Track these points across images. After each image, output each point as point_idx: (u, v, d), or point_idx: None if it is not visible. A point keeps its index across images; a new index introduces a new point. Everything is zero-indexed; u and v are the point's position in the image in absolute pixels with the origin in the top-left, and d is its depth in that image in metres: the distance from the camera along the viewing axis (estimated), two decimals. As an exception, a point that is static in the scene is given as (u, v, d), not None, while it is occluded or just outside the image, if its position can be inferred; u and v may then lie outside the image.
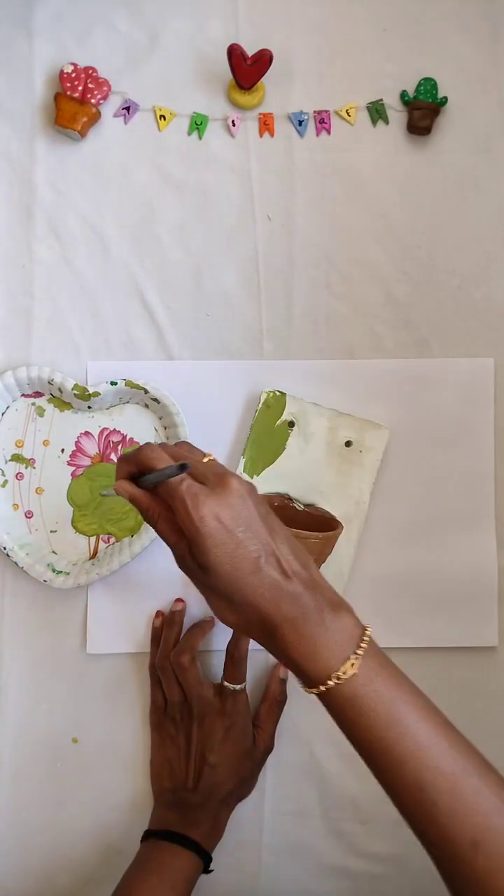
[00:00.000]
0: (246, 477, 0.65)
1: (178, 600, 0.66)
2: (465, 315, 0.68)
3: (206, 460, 0.49)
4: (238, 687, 0.64)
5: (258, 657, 0.66)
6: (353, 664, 0.45)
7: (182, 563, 0.48)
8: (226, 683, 0.64)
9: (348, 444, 0.66)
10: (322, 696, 0.46)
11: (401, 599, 0.67)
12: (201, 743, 0.62)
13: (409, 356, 0.67)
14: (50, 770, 0.66)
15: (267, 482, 0.66)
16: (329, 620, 0.46)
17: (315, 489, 0.66)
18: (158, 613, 0.66)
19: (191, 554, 0.46)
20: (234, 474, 0.48)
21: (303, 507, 0.65)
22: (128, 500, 0.50)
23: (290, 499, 0.65)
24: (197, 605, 0.67)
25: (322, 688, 0.45)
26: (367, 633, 0.46)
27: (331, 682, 0.44)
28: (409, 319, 0.67)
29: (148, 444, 0.49)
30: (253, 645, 0.65)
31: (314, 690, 0.45)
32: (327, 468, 0.66)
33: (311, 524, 0.63)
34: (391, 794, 0.45)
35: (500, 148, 0.68)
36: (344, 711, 0.45)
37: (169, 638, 0.65)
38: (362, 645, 0.46)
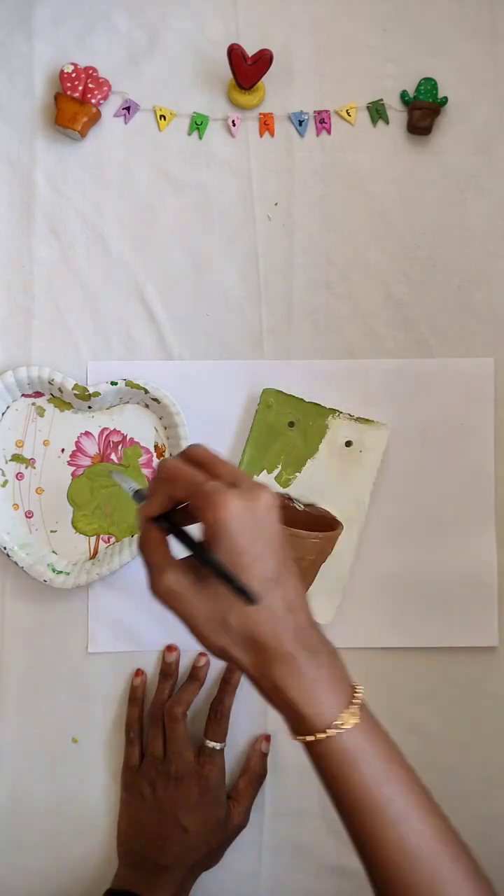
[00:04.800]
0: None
1: (170, 648, 0.66)
2: (465, 315, 0.68)
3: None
4: (218, 746, 0.63)
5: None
6: (353, 713, 0.43)
7: (165, 580, 0.43)
8: (207, 741, 0.64)
9: (348, 444, 0.66)
10: (313, 746, 0.43)
11: (401, 599, 0.67)
12: (175, 804, 0.61)
13: (409, 356, 0.67)
14: (50, 770, 0.66)
15: (267, 482, 0.66)
16: (327, 664, 0.44)
17: (315, 489, 0.66)
18: (138, 672, 0.66)
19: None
20: (265, 486, 0.44)
21: (303, 507, 0.65)
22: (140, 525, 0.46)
23: (290, 499, 0.65)
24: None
25: (321, 735, 0.42)
26: (357, 687, 0.44)
27: (331, 731, 0.42)
28: (409, 319, 0.67)
29: (164, 460, 0.46)
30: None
31: (310, 738, 0.42)
32: (327, 468, 0.66)
33: (311, 524, 0.63)
34: (370, 854, 0.43)
35: (500, 148, 0.68)
36: (338, 764, 0.42)
37: (164, 689, 0.65)
38: (357, 694, 0.44)
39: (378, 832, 0.42)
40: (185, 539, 0.44)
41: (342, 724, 0.42)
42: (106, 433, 0.66)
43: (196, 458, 0.45)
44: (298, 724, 0.43)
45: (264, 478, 0.66)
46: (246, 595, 0.40)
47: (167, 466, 0.44)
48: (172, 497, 0.44)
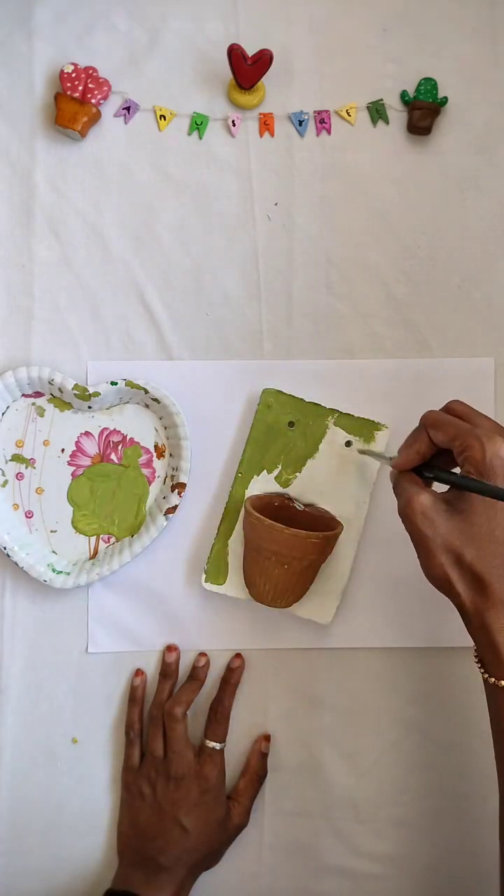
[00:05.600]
0: (242, 478, 0.65)
1: (171, 648, 0.66)
2: (465, 315, 0.68)
3: None
4: (218, 746, 0.64)
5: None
6: None
7: (419, 499, 0.48)
8: (207, 741, 0.64)
9: (348, 444, 0.66)
10: (502, 690, 0.47)
11: (401, 599, 0.67)
12: (175, 804, 0.61)
13: (409, 356, 0.68)
14: (50, 770, 0.66)
15: (267, 482, 0.66)
16: None
17: (315, 489, 0.66)
18: (138, 672, 0.66)
19: (448, 494, 0.49)
20: None
21: (303, 507, 0.65)
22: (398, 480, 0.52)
23: (290, 499, 0.65)
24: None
25: None
26: None
27: None
28: (409, 319, 0.67)
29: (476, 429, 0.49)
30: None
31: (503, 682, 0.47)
32: (327, 468, 0.66)
33: (311, 524, 0.63)
34: None
35: (500, 148, 0.68)
36: None
37: (164, 689, 0.65)
38: None
39: None
40: (444, 474, 0.49)
41: None
42: (106, 433, 0.66)
43: (457, 412, 0.50)
44: (496, 666, 0.47)
45: (264, 478, 0.66)
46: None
47: (434, 415, 0.50)
48: (433, 443, 0.49)
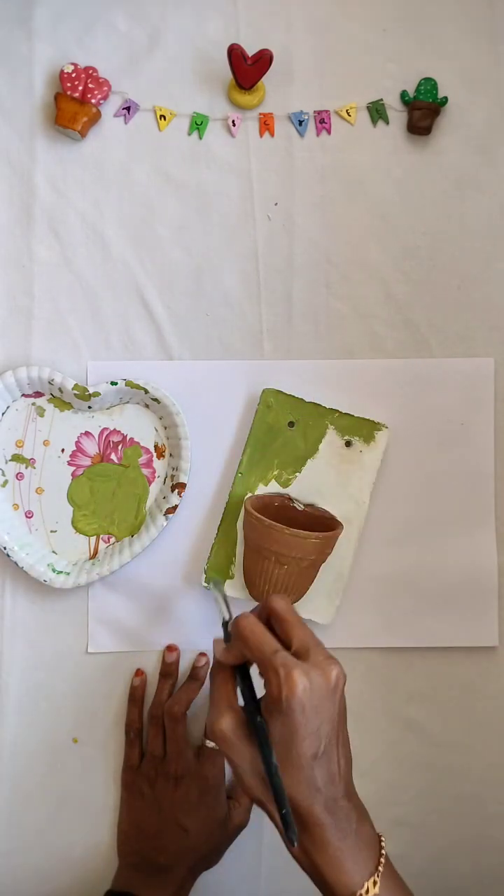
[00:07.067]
0: (243, 478, 0.65)
1: (171, 648, 0.66)
2: (465, 315, 0.68)
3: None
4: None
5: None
6: (375, 882, 0.45)
7: (220, 723, 0.46)
8: (207, 741, 0.64)
9: (348, 444, 0.66)
10: None
11: (401, 599, 0.67)
12: (175, 804, 0.61)
13: (409, 356, 0.68)
14: (50, 770, 0.66)
15: (267, 483, 0.66)
16: (357, 830, 0.46)
17: (315, 489, 0.66)
18: (138, 672, 0.66)
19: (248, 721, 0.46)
20: (336, 662, 0.46)
21: (303, 507, 0.65)
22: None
23: (290, 499, 0.65)
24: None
25: None
26: (382, 843, 0.47)
27: None
28: (409, 319, 0.67)
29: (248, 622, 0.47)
30: None
31: None
32: (327, 468, 0.66)
33: (311, 524, 0.63)
34: None
35: (500, 148, 0.68)
36: None
37: (164, 689, 0.65)
38: (381, 858, 0.46)
39: None
40: (251, 704, 0.47)
41: (364, 892, 0.44)
42: (106, 433, 0.66)
43: (276, 613, 0.47)
44: (324, 889, 0.46)
45: (265, 478, 0.66)
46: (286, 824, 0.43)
47: (241, 627, 0.47)
48: (245, 656, 0.47)
